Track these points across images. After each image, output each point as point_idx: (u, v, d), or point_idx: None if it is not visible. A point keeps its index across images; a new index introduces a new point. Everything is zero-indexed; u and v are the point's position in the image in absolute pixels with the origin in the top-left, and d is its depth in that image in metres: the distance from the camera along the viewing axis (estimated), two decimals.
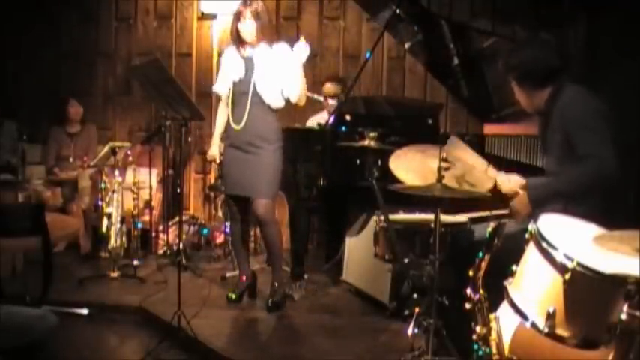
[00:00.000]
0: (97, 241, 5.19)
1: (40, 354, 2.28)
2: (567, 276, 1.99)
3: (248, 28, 3.91)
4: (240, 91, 3.98)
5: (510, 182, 2.97)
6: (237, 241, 4.26)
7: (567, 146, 2.78)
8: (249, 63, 3.97)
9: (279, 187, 4.07)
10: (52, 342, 2.33)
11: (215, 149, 4.25)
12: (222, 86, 4.11)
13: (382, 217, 3.22)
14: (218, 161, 4.33)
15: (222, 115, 4.16)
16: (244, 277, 4.22)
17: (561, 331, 2.03)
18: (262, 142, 3.95)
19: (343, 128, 4.27)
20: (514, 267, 2.25)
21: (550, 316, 2.02)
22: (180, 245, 4.53)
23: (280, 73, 3.95)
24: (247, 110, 3.94)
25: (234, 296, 4.15)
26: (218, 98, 4.28)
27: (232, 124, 4.00)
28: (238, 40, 3.98)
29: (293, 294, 4.24)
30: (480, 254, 2.45)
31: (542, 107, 2.92)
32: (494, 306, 2.40)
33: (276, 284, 4.10)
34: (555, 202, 2.74)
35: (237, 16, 3.93)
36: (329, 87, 5.10)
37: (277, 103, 3.99)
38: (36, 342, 2.26)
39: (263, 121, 3.96)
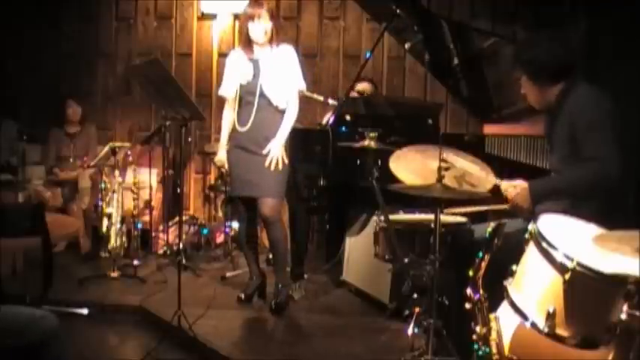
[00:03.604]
0: (97, 241, 5.19)
1: (40, 354, 2.28)
2: (567, 276, 1.99)
3: (262, 28, 3.87)
4: (248, 93, 3.96)
5: (516, 188, 2.93)
6: (245, 242, 4.24)
7: (573, 145, 2.75)
8: (256, 65, 3.96)
9: (285, 186, 4.04)
10: (51, 342, 2.32)
11: (223, 153, 4.14)
12: (228, 90, 4.08)
13: (382, 217, 3.22)
14: (227, 166, 4.15)
15: (229, 118, 4.10)
16: (254, 278, 4.19)
17: (561, 331, 2.03)
18: (269, 142, 3.92)
19: (343, 128, 4.27)
20: (514, 267, 2.25)
21: (550, 316, 2.02)
22: (180, 245, 4.51)
23: (286, 74, 3.95)
24: (254, 112, 3.92)
25: (243, 297, 4.14)
26: (222, 101, 4.24)
27: (237, 126, 3.99)
28: (248, 42, 3.94)
29: (293, 294, 4.23)
30: (480, 254, 2.45)
31: (552, 104, 2.87)
32: (494, 306, 2.40)
33: (280, 285, 4.08)
34: (556, 199, 2.74)
35: (250, 17, 3.87)
36: (365, 86, 5.07)
37: (285, 104, 3.97)
38: (36, 343, 2.25)
39: (270, 122, 3.95)
